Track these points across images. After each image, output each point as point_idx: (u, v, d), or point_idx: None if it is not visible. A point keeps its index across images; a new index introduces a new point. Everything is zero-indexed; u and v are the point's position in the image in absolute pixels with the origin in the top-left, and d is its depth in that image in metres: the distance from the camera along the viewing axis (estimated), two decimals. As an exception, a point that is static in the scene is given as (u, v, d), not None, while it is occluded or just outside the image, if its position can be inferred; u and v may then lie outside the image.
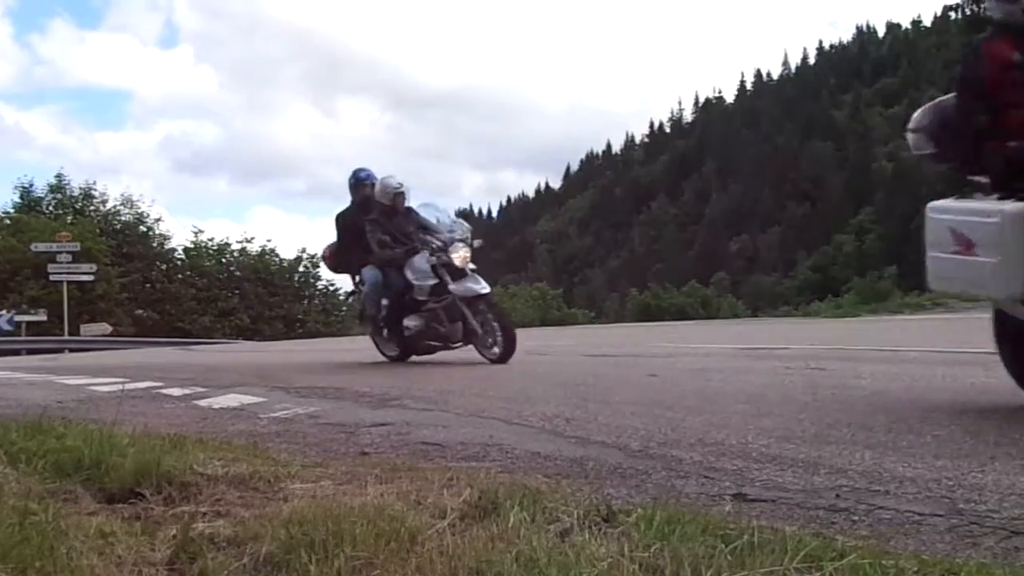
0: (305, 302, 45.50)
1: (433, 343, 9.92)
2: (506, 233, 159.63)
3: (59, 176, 45.57)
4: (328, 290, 46.05)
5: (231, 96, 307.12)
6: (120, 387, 7.78)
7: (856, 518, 2.72)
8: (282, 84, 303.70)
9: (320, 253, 11.35)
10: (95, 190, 45.68)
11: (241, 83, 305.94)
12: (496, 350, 9.19)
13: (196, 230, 48.86)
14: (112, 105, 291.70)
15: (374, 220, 9.83)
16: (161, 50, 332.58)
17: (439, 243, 9.64)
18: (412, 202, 10.14)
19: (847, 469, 3.34)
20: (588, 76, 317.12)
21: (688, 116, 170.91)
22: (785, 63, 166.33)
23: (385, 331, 10.25)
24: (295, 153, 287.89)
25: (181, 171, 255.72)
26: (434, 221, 9.96)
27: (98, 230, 40.34)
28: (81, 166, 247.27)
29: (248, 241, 44.80)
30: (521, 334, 9.58)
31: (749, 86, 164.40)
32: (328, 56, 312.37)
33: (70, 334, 31.55)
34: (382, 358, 10.32)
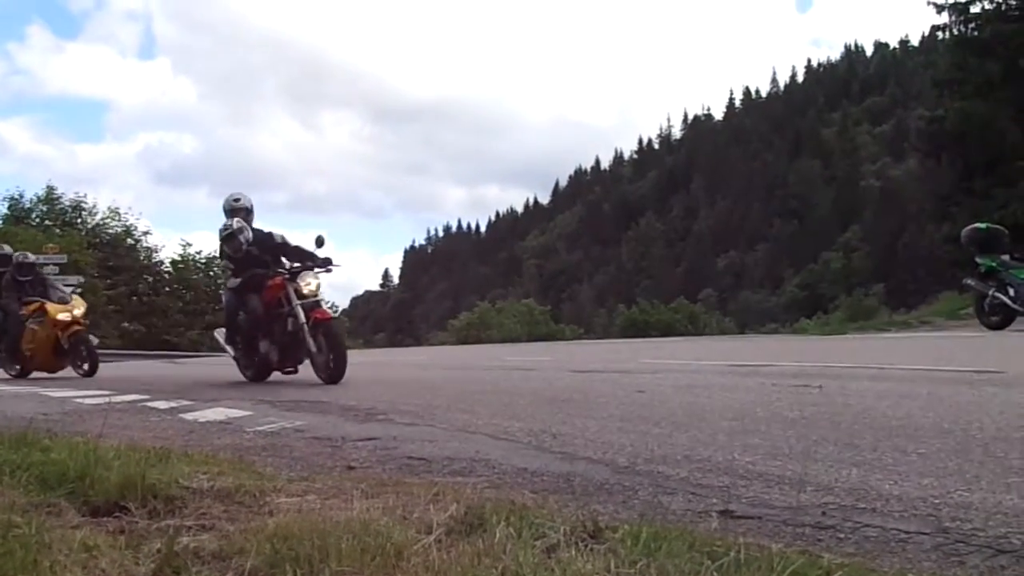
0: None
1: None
2: (494, 248, 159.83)
3: (50, 188, 45.56)
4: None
5: (211, 107, 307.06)
6: (106, 400, 7.76)
7: (842, 536, 2.72)
8: (262, 96, 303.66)
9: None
10: (85, 203, 45.66)
11: (221, 94, 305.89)
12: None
13: (184, 243, 48.85)
14: (91, 115, 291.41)
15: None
16: (139, 60, 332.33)
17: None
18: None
19: (833, 486, 3.34)
20: (573, 91, 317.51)
21: (677, 133, 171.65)
22: (773, 81, 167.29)
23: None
24: (276, 165, 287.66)
25: (161, 183, 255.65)
26: None
27: (86, 243, 40.24)
28: (60, 177, 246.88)
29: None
30: (509, 349, 9.64)
31: (737, 103, 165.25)
32: (309, 68, 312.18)
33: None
34: (368, 371, 10.66)
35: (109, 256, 42.45)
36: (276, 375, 10.59)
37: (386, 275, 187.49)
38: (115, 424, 5.52)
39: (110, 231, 45.14)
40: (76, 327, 13.66)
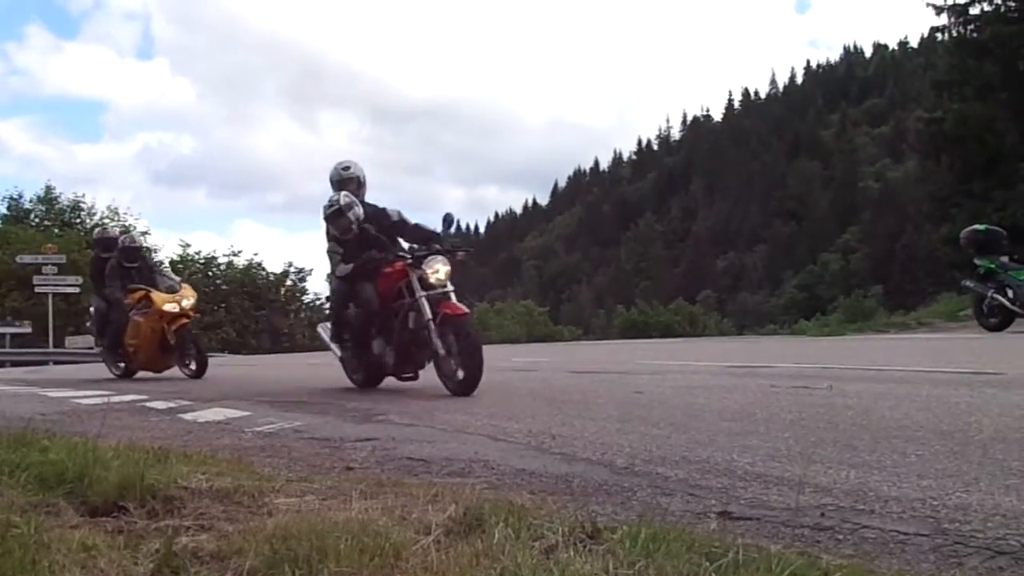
0: (291, 316, 45.44)
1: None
2: (493, 249, 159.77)
3: (48, 188, 45.57)
4: (315, 304, 46.01)
5: (209, 108, 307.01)
6: (105, 400, 7.76)
7: (841, 537, 2.72)
8: (261, 96, 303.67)
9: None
10: (83, 203, 45.67)
11: (219, 95, 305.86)
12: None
13: (184, 243, 48.84)
14: (89, 116, 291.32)
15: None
16: (138, 61, 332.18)
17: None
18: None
19: (832, 488, 3.34)
20: (572, 92, 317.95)
21: (676, 134, 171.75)
22: (772, 82, 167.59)
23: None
24: (274, 166, 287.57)
25: (159, 183, 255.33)
26: None
27: (84, 243, 40.20)
28: (58, 177, 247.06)
29: (235, 255, 44.80)
30: (507, 350, 9.56)
31: (736, 104, 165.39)
32: (307, 68, 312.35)
33: (55, 346, 31.40)
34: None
35: (108, 256, 42.37)
36: (390, 381, 8.92)
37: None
38: (114, 424, 5.52)
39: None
40: (183, 320, 12.33)
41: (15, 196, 45.01)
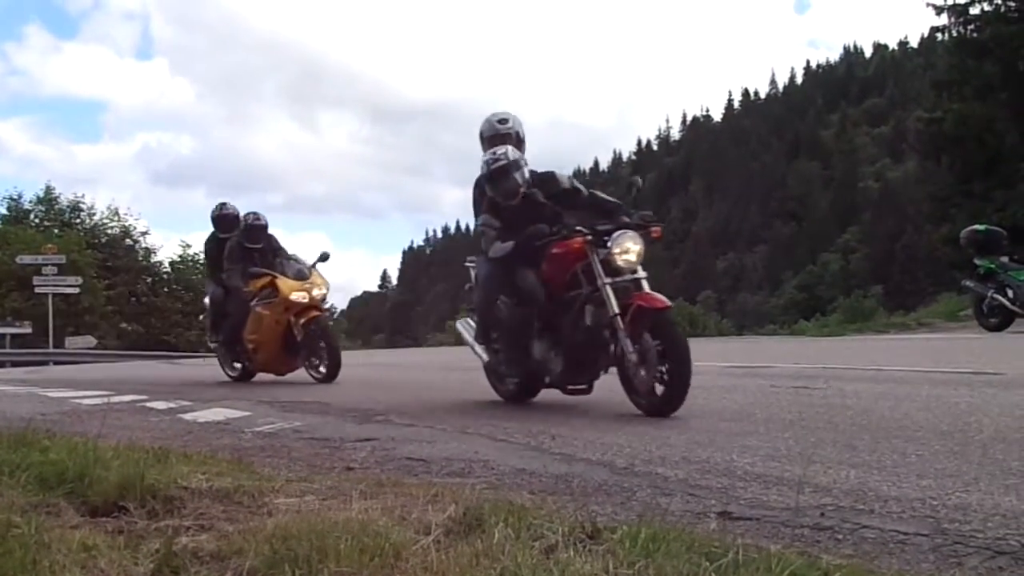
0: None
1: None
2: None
3: (48, 188, 45.55)
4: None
5: (208, 108, 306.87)
6: (105, 400, 7.76)
7: (841, 537, 2.72)
8: (260, 96, 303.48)
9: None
10: (83, 203, 45.66)
11: (218, 95, 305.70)
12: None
13: (184, 244, 48.80)
14: (88, 116, 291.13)
15: None
16: (137, 61, 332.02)
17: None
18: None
19: (832, 488, 3.34)
20: (571, 92, 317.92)
21: (675, 134, 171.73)
22: (772, 82, 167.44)
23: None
24: (273, 166, 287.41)
25: (158, 183, 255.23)
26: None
27: (84, 243, 40.20)
28: (58, 177, 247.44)
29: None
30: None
31: (736, 105, 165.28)
32: (307, 69, 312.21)
33: (55, 347, 31.36)
34: (367, 372, 10.17)
35: (108, 256, 42.38)
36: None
37: (384, 276, 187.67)
38: (114, 424, 5.52)
39: (109, 231, 45.09)
40: (313, 313, 10.38)
41: (15, 196, 44.98)
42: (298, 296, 10.25)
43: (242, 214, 11.34)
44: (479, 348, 7.36)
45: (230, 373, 11.28)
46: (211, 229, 11.60)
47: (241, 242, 10.87)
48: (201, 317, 12.51)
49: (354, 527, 2.49)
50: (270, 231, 11.08)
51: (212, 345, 12.02)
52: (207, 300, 11.88)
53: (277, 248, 11.11)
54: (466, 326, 7.74)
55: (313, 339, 10.29)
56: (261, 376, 10.88)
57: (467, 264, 7.70)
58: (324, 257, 8.98)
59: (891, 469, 3.65)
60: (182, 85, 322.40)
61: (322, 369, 10.15)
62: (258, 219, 11.04)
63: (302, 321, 10.23)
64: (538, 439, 4.83)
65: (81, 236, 41.49)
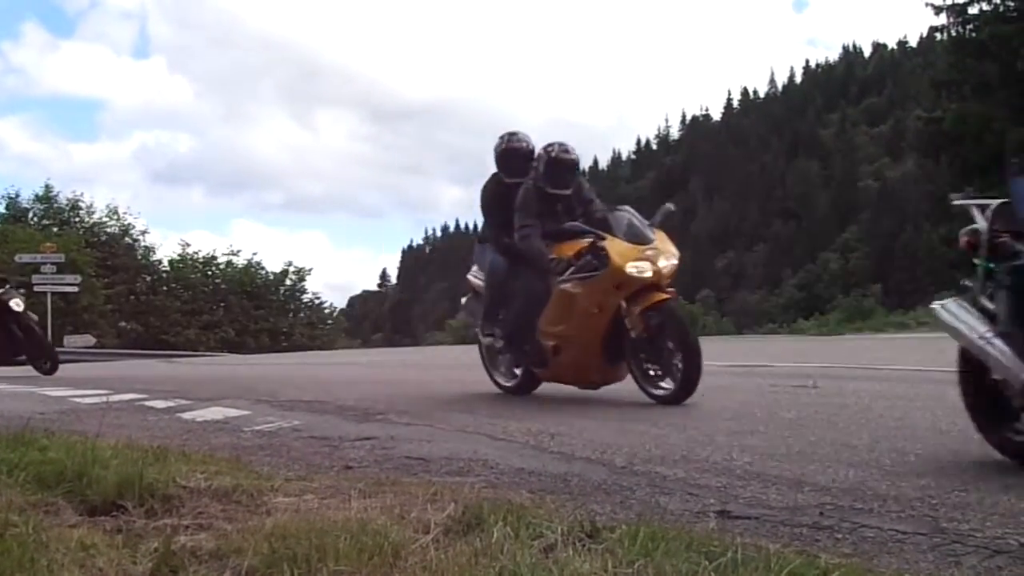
0: (291, 315, 45.50)
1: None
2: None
3: (47, 186, 45.52)
4: (314, 303, 46.10)
5: (206, 107, 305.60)
6: (103, 399, 7.74)
7: (840, 536, 2.72)
8: (258, 95, 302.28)
9: None
10: (82, 201, 45.63)
11: (216, 93, 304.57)
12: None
13: (183, 243, 48.77)
14: (85, 114, 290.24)
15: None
16: (134, 60, 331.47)
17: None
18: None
19: (831, 487, 3.34)
20: (570, 91, 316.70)
21: (675, 133, 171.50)
22: (771, 81, 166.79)
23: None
24: (272, 165, 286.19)
25: (156, 182, 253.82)
26: None
27: (83, 241, 40.17)
28: (56, 176, 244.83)
29: (235, 254, 44.81)
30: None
31: (735, 104, 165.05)
32: (305, 68, 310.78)
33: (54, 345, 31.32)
34: (366, 371, 10.13)
35: (107, 255, 42.34)
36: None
37: (384, 275, 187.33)
38: (112, 423, 5.51)
39: (108, 230, 45.08)
40: (659, 296, 6.46)
41: (13, 195, 44.94)
42: (636, 268, 6.50)
43: (538, 149, 7.48)
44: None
45: (503, 382, 7.65)
46: (492, 171, 7.79)
47: (541, 187, 7.15)
48: (464, 300, 8.23)
49: (353, 526, 2.49)
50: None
51: (484, 340, 7.69)
52: (471, 276, 7.95)
53: (590, 198, 7.40)
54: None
55: (657, 336, 6.45)
56: (255, 374, 10.79)
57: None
58: (668, 213, 6.72)
59: (890, 468, 3.66)
60: (180, 84, 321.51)
61: (666, 384, 6.36)
62: (567, 151, 7.29)
63: (639, 308, 6.46)
64: (537, 438, 4.83)
65: (80, 235, 41.49)
